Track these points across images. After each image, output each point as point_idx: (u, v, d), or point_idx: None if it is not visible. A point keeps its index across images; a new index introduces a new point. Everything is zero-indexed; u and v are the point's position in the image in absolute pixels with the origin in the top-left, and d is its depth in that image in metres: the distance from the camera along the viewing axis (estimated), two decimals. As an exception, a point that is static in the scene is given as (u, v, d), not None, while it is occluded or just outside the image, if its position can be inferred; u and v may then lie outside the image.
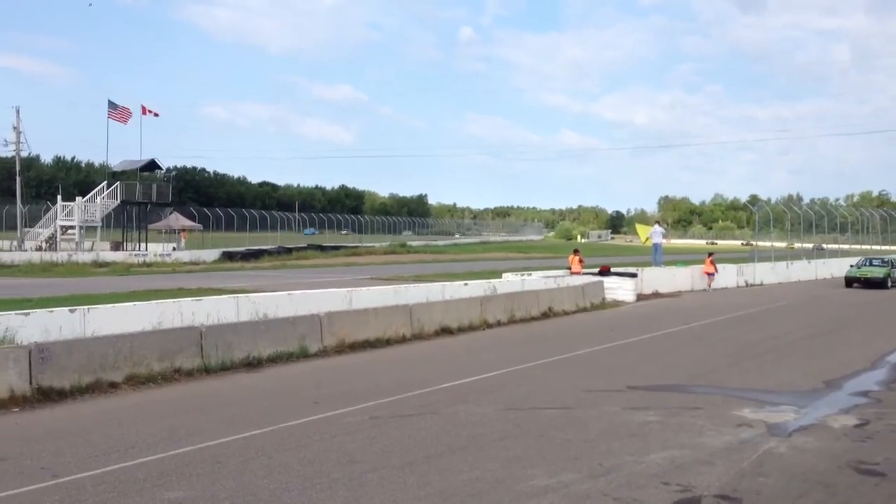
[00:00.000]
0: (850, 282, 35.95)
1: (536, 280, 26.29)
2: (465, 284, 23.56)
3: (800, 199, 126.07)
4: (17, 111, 51.92)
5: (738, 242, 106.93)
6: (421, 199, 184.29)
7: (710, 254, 36.29)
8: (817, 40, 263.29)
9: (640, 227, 43.88)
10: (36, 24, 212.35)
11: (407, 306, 17.77)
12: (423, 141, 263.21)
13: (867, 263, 37.86)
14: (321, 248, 62.79)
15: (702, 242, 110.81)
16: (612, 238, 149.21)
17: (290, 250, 58.19)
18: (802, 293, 31.92)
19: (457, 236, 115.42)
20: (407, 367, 14.09)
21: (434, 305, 18.75)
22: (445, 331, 18.07)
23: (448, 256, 61.24)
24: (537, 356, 15.18)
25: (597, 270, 28.96)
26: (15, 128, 51.74)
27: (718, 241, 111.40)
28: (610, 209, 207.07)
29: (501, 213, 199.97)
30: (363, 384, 12.26)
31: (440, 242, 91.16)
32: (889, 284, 35.05)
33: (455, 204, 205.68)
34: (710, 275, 33.59)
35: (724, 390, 12.04)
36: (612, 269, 29.47)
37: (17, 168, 53.57)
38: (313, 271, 40.79)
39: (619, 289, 27.05)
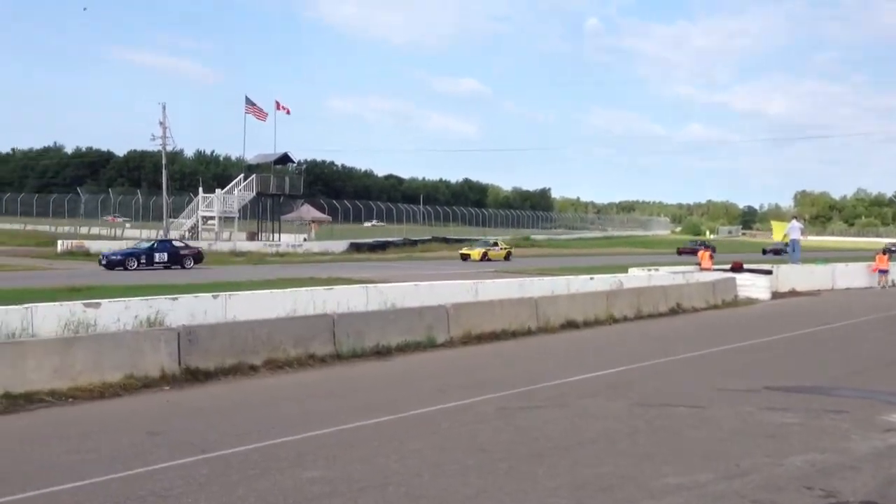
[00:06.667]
0: None
1: (664, 275, 25.67)
2: (591, 278, 23.29)
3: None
4: (164, 108, 54.70)
5: (884, 241, 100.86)
6: (544, 193, 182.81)
7: (885, 250, 34.08)
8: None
9: (775, 224, 41.47)
10: (180, 25, 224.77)
11: (532, 299, 17.75)
12: (547, 134, 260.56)
13: None
14: (445, 241, 63.49)
15: (842, 240, 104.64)
16: (743, 234, 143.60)
17: (414, 242, 59.20)
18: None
19: (581, 231, 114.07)
20: (533, 360, 14.07)
21: (559, 299, 18.64)
22: (571, 324, 17.92)
23: (571, 251, 60.70)
24: (666, 353, 14.84)
25: (728, 267, 27.99)
26: (161, 123, 54.46)
27: (859, 239, 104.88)
28: (741, 204, 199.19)
29: (626, 208, 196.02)
30: (490, 375, 12.35)
31: (563, 236, 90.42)
32: None
33: (579, 198, 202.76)
34: (884, 272, 31.64)
35: (871, 394, 11.40)
36: (746, 266, 28.40)
37: (163, 161, 56.61)
38: (438, 263, 41.30)
39: (752, 286, 26.06)
